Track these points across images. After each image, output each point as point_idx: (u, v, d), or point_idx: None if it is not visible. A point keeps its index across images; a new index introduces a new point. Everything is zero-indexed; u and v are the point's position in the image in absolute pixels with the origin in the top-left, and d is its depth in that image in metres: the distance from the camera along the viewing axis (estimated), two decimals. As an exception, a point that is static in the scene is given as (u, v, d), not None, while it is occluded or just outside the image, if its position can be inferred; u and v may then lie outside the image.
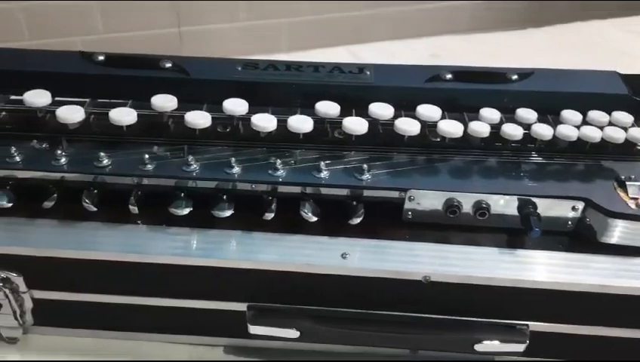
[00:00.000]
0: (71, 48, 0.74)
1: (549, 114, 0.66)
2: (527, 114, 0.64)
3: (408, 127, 0.61)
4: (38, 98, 0.62)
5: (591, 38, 1.29)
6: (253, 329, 0.58)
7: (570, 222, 0.59)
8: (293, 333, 0.58)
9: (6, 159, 0.58)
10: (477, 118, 0.64)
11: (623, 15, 1.37)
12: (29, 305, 0.61)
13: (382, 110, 0.63)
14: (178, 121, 0.62)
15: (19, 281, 0.59)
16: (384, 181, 0.58)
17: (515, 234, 0.59)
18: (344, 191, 0.58)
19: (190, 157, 0.58)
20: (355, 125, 0.61)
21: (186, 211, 0.58)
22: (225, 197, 0.58)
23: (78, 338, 0.64)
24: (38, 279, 0.59)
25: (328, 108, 0.63)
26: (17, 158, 0.58)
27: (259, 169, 0.59)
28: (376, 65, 0.70)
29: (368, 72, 0.68)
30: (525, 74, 0.69)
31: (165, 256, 0.56)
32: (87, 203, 0.58)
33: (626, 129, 0.63)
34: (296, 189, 0.58)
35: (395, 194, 0.58)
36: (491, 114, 0.64)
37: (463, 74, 0.68)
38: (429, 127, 0.63)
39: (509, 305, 0.58)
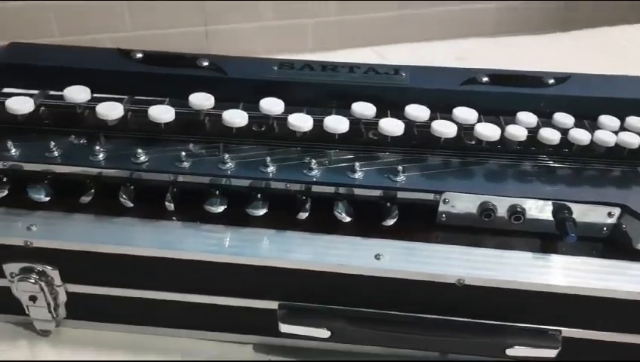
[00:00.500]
0: (99, 45, 0.75)
1: (586, 119, 0.65)
2: (564, 118, 0.64)
3: (445, 129, 0.61)
4: (77, 94, 0.63)
5: (620, 42, 1.28)
6: (284, 328, 0.58)
7: (605, 228, 0.58)
8: (324, 333, 0.58)
9: (45, 154, 0.59)
10: (512, 122, 0.63)
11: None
12: (63, 298, 0.61)
13: (418, 112, 0.63)
14: (214, 119, 0.63)
15: (54, 274, 0.59)
16: (419, 183, 0.58)
17: (549, 239, 0.58)
18: (378, 193, 0.58)
19: (226, 156, 0.59)
20: (392, 126, 0.61)
21: (221, 209, 0.58)
22: (259, 195, 0.59)
23: (109, 332, 0.65)
24: (72, 273, 0.60)
25: (364, 109, 0.63)
26: (56, 153, 0.59)
27: (293, 168, 0.59)
28: (412, 66, 0.70)
29: (404, 74, 0.68)
30: (562, 78, 0.69)
31: (199, 253, 0.57)
32: (123, 198, 0.58)
33: (663, 136, 0.63)
34: (330, 189, 0.58)
35: (430, 196, 0.58)
36: (528, 118, 0.63)
37: (499, 77, 0.68)
38: (464, 129, 0.63)
39: (542, 310, 0.57)
